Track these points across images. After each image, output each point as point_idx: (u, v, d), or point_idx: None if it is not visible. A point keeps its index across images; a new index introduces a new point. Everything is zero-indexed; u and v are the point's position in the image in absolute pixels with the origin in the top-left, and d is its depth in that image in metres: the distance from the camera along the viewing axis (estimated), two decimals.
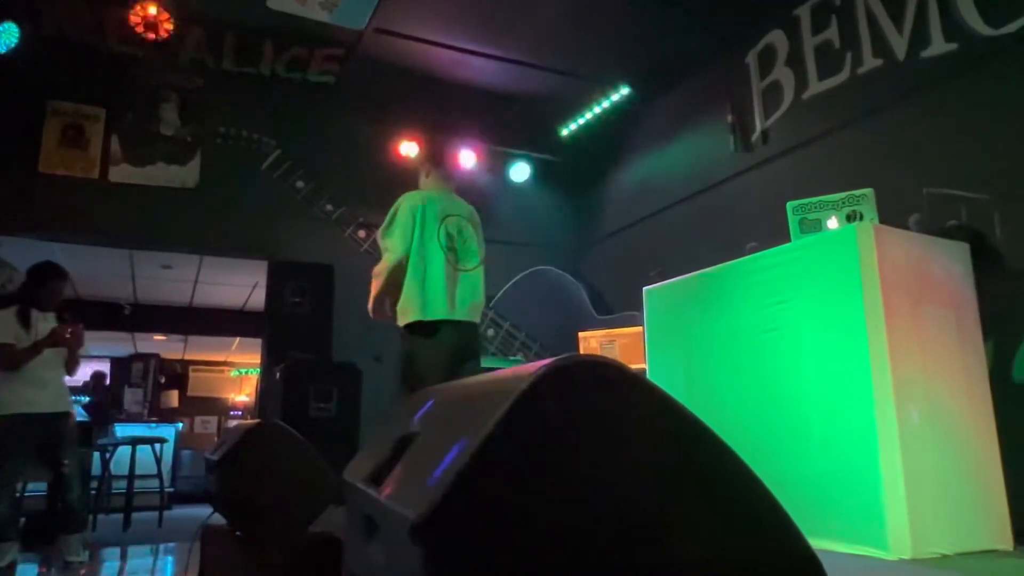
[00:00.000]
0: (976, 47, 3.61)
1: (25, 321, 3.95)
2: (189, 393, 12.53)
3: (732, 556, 0.77)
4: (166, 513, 6.25)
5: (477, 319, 3.42)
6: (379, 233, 3.36)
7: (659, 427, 0.78)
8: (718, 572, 0.76)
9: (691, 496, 0.76)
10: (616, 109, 6.15)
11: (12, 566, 3.66)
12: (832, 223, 2.95)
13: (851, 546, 2.48)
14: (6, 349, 3.86)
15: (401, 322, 3.26)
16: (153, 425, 8.91)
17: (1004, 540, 2.62)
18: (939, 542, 2.46)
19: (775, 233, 3.19)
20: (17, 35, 4.76)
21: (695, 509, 0.76)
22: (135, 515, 5.81)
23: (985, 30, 3.57)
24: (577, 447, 0.72)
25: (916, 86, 3.91)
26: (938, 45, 3.80)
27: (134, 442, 6.01)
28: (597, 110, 6.25)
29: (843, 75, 4.33)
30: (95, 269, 7.92)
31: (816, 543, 0.85)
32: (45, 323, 4.04)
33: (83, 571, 3.86)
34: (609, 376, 0.76)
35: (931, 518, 2.47)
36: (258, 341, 7.25)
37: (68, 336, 4.01)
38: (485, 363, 5.66)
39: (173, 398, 12.19)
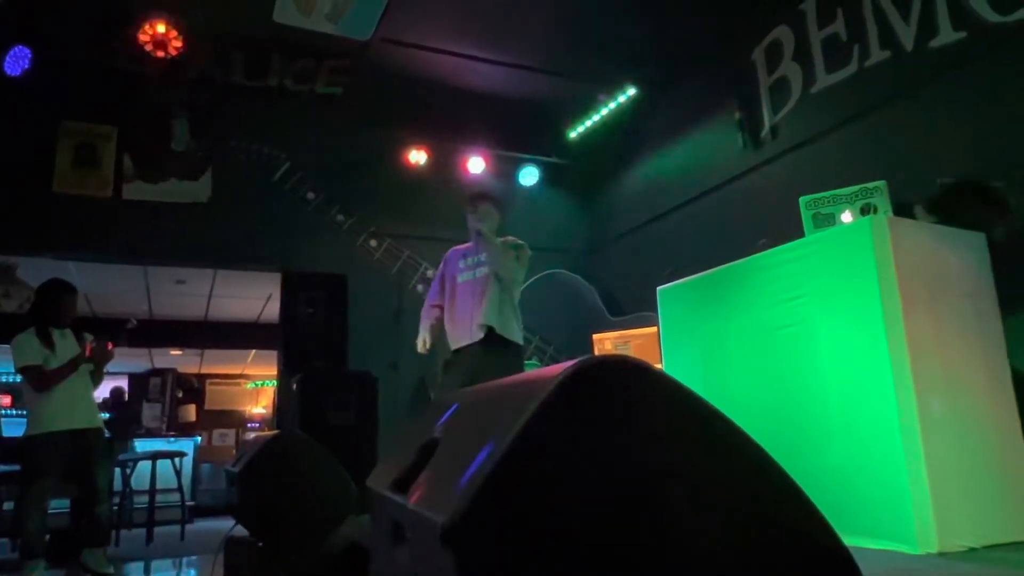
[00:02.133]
0: (985, 35, 3.58)
1: (47, 341, 4.00)
2: (207, 406, 12.61)
3: (764, 552, 0.76)
4: (187, 527, 6.27)
5: None
6: (523, 254, 3.96)
7: (686, 424, 0.78)
8: (748, 568, 0.76)
9: (721, 492, 0.76)
10: (623, 110, 6.15)
11: None
12: (846, 217, 2.93)
13: (877, 541, 2.46)
14: (37, 371, 3.91)
15: (513, 336, 3.81)
16: (172, 439, 8.95)
17: None
18: (965, 535, 2.44)
19: (788, 229, 3.17)
20: (29, 58, 4.82)
21: (725, 505, 0.76)
22: (157, 529, 5.84)
23: (994, 17, 3.54)
24: (604, 447, 0.72)
25: (926, 76, 3.89)
26: (946, 34, 3.77)
27: (154, 457, 6.05)
28: (604, 112, 6.25)
29: (851, 68, 4.31)
30: (110, 286, 8.00)
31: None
32: (64, 340, 4.09)
33: None
34: (634, 375, 0.76)
35: (957, 511, 2.45)
36: (274, 353, 7.30)
37: (103, 351, 4.10)
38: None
39: (191, 412, 12.26)
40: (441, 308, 4.00)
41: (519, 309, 3.91)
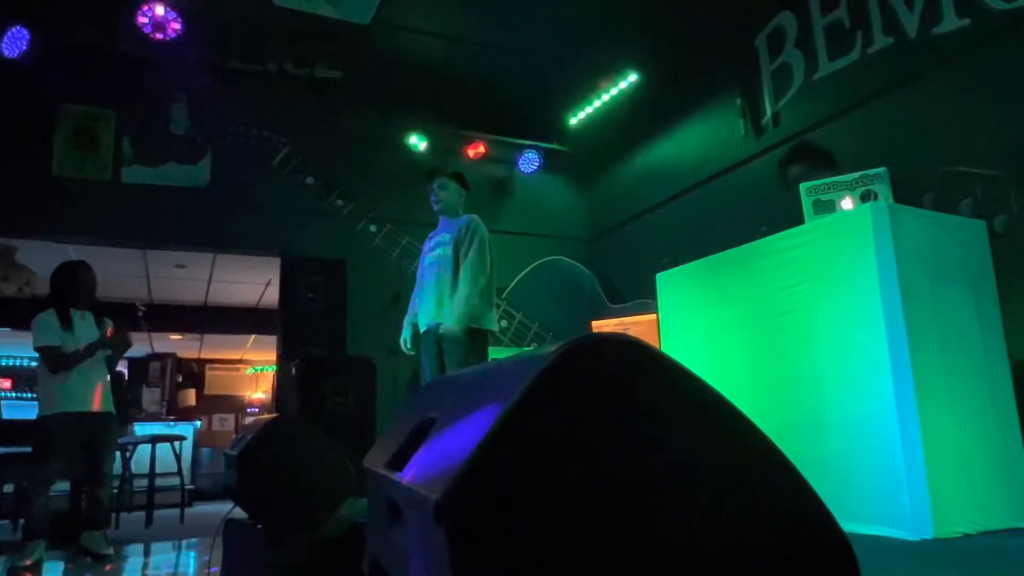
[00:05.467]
0: (989, 22, 3.56)
1: (67, 322, 3.99)
2: (206, 391, 12.63)
3: (759, 533, 0.76)
4: (187, 510, 6.30)
5: None
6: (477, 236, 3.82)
7: (682, 401, 0.78)
8: (745, 549, 0.76)
9: (716, 471, 0.76)
10: (624, 96, 6.12)
11: (39, 564, 3.71)
12: (846, 203, 2.93)
13: (873, 527, 2.47)
14: (55, 352, 3.90)
15: (474, 323, 3.69)
16: (172, 424, 8.99)
17: None
18: (961, 522, 2.45)
19: (788, 217, 3.17)
20: (27, 39, 4.79)
21: (721, 484, 0.76)
22: (157, 512, 5.87)
23: (998, 4, 3.52)
24: (600, 423, 0.72)
25: (928, 63, 3.86)
26: (950, 21, 3.75)
27: (154, 440, 6.07)
28: (605, 98, 6.21)
29: (854, 55, 4.29)
30: (109, 270, 7.95)
31: None
32: (84, 321, 4.09)
33: (108, 567, 3.91)
34: (631, 352, 0.75)
35: (952, 498, 2.46)
36: (273, 338, 7.30)
37: (123, 339, 4.11)
38: (498, 353, 5.71)
39: (190, 397, 12.28)
40: None
41: (486, 291, 3.83)
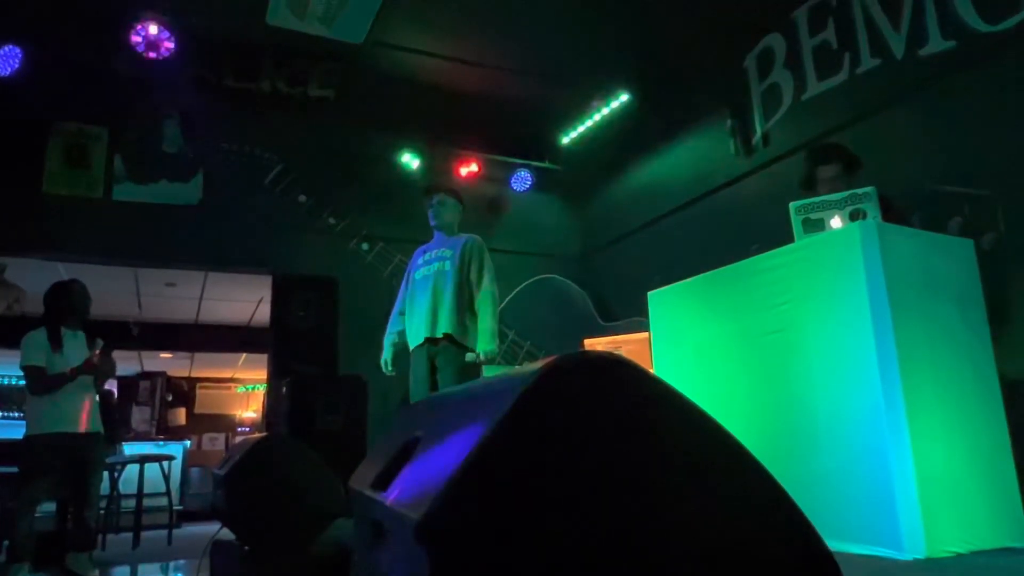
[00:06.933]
0: (974, 44, 3.61)
1: (56, 342, 3.96)
2: (196, 410, 12.53)
3: (746, 554, 0.76)
4: (175, 531, 6.22)
5: None
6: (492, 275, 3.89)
7: (666, 421, 0.78)
8: (732, 570, 0.75)
9: (701, 491, 0.75)
10: (616, 116, 6.16)
11: None
12: (835, 222, 2.94)
13: (864, 547, 2.45)
14: (38, 372, 3.86)
15: (470, 343, 3.75)
16: (161, 443, 8.89)
17: (1018, 537, 2.60)
18: (953, 541, 2.44)
19: (779, 235, 3.18)
20: (19, 58, 4.80)
21: (706, 505, 0.75)
22: (144, 533, 5.79)
23: (983, 27, 3.57)
24: (583, 442, 0.71)
25: (915, 84, 3.91)
26: (936, 43, 3.80)
27: (142, 460, 6.00)
28: (597, 117, 6.25)
29: (842, 75, 4.34)
30: (100, 288, 7.88)
31: (829, 544, 0.84)
32: (75, 340, 4.05)
33: None
34: (614, 371, 0.75)
35: (944, 517, 2.45)
36: (264, 356, 7.25)
37: (106, 365, 4.09)
38: (491, 371, 5.68)
39: (180, 416, 12.18)
40: (404, 313, 4.01)
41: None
